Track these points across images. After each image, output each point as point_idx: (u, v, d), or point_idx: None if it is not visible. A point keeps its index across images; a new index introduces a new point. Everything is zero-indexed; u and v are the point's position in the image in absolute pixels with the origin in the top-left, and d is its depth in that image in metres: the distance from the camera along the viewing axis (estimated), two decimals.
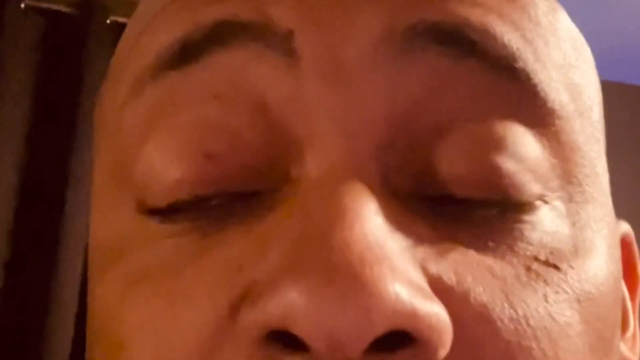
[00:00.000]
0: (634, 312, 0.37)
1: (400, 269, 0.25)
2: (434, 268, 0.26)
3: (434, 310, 0.25)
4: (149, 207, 0.30)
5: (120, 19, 1.56)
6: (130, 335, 0.29)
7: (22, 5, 1.54)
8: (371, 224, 0.26)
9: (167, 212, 0.30)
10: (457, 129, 0.29)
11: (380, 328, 0.24)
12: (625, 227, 0.37)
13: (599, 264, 0.30)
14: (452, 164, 0.28)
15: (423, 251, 0.27)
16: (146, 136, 0.30)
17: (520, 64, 0.29)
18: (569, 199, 0.30)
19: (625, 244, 0.36)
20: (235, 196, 0.29)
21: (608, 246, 0.31)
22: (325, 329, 0.24)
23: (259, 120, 0.29)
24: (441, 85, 0.29)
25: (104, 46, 1.53)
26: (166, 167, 0.30)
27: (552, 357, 0.27)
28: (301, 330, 0.24)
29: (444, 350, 0.25)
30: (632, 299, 0.37)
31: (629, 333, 0.36)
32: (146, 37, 0.32)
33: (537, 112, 0.30)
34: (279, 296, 0.25)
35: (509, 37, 0.29)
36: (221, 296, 0.27)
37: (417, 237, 0.27)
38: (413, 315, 0.25)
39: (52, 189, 1.52)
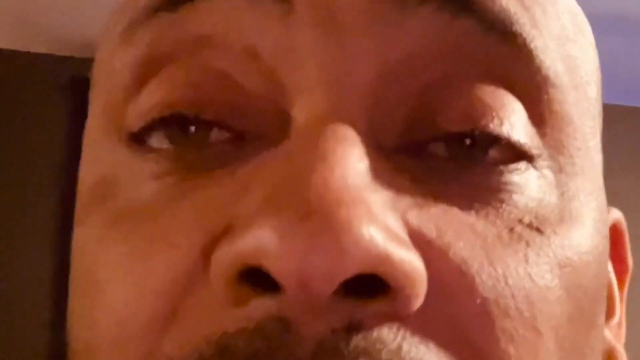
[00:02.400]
0: (621, 301, 0.37)
1: (377, 213, 0.25)
2: (414, 220, 0.26)
3: (409, 258, 0.25)
4: (129, 133, 0.30)
5: None
6: (106, 275, 0.29)
7: None
8: (353, 168, 0.26)
9: (147, 139, 0.30)
10: (448, 88, 0.29)
11: (351, 268, 0.24)
12: (617, 214, 0.37)
13: (584, 234, 0.29)
14: (440, 121, 0.28)
15: (405, 203, 0.27)
16: (138, 77, 0.30)
17: (516, 28, 0.29)
18: (559, 170, 0.30)
19: (615, 231, 0.36)
20: (216, 134, 0.29)
21: (595, 220, 0.30)
22: (296, 265, 0.24)
23: (248, 65, 0.29)
24: (435, 42, 0.29)
25: None
26: (149, 95, 0.30)
27: (529, 319, 0.27)
28: (272, 266, 0.24)
29: (417, 301, 0.25)
30: (620, 287, 0.37)
31: (615, 320, 0.36)
32: None
33: (530, 78, 0.29)
34: (252, 232, 0.25)
35: (507, 0, 0.29)
36: (197, 235, 0.27)
37: (400, 190, 0.27)
38: (386, 259, 0.24)
39: None
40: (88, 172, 0.32)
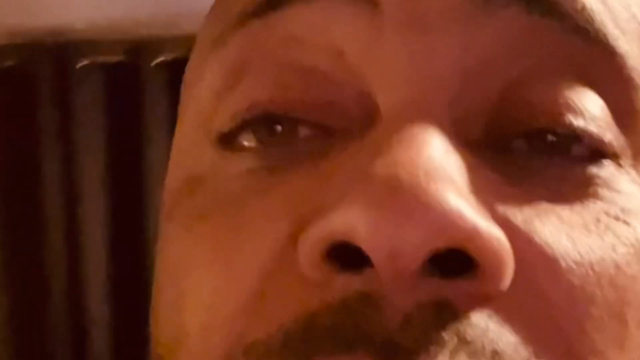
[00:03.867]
0: None
1: (465, 191, 0.26)
2: (499, 206, 0.27)
3: (497, 234, 0.25)
4: (219, 134, 0.31)
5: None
6: (194, 264, 0.29)
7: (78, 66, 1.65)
8: (439, 150, 0.26)
9: (236, 138, 0.31)
10: (531, 86, 0.29)
11: (439, 240, 0.25)
12: None
13: None
14: (522, 117, 0.29)
15: (490, 191, 0.27)
16: (228, 82, 0.32)
17: (600, 28, 0.30)
18: None
19: None
20: (304, 131, 0.30)
21: None
22: (387, 238, 0.24)
23: (335, 63, 0.30)
24: (517, 42, 0.29)
25: (156, 87, 1.62)
26: (238, 97, 0.31)
27: (616, 307, 0.27)
28: (363, 240, 0.25)
29: (504, 282, 0.25)
30: None
31: None
32: None
33: (613, 77, 0.30)
34: (342, 210, 0.25)
35: (590, 1, 0.30)
36: (284, 222, 0.28)
37: (485, 180, 0.27)
38: (475, 232, 0.25)
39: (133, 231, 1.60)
40: (176, 173, 0.34)
